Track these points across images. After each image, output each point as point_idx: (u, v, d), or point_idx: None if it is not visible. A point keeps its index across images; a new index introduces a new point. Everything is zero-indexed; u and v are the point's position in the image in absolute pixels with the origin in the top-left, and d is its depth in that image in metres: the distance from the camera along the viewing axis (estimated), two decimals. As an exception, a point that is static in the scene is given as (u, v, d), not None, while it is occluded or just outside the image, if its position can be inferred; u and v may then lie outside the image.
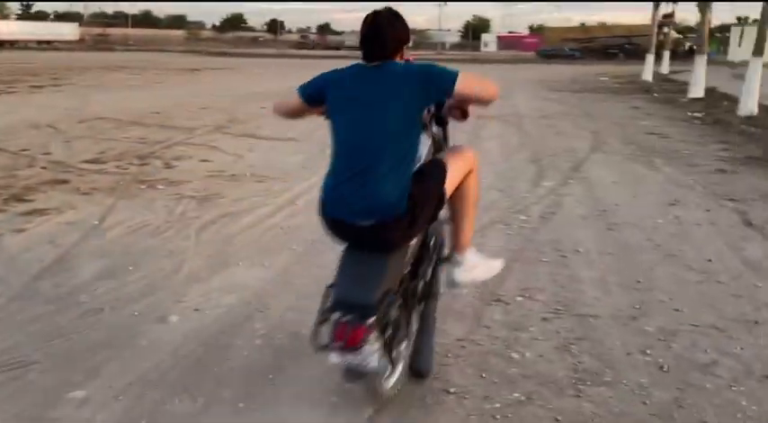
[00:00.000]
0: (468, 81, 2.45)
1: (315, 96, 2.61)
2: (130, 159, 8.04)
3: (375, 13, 2.52)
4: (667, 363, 3.10)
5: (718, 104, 15.75)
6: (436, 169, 2.57)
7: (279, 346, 3.26)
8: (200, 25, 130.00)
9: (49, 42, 70.72)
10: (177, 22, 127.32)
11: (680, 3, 33.80)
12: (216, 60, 46.58)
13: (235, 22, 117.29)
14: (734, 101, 15.42)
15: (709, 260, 4.60)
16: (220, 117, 12.42)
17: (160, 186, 6.65)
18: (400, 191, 2.37)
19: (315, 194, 6.38)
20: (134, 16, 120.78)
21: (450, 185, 2.58)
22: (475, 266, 2.87)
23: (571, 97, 18.89)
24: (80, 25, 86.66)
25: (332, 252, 2.92)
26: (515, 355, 3.16)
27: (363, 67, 2.52)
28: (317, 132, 8.73)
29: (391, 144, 2.39)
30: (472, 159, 2.73)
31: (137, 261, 4.41)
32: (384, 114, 2.39)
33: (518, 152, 9.13)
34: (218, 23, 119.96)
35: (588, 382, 2.92)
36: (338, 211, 2.46)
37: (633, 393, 2.84)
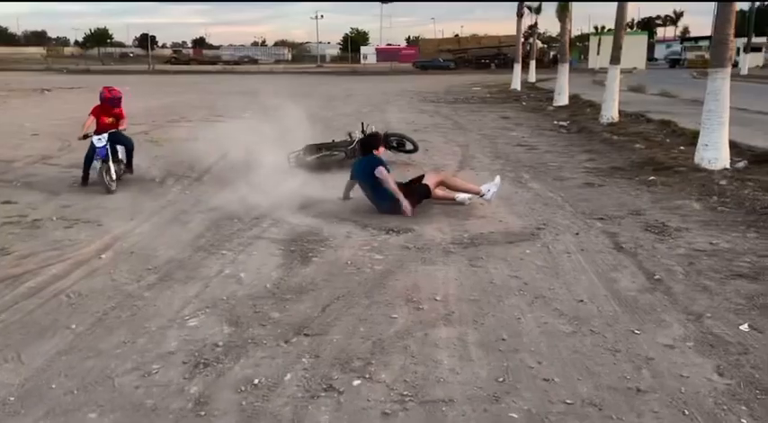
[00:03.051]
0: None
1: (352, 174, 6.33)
2: None
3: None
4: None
5: (582, 112, 16.06)
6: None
7: None
8: (63, 42, 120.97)
9: None
10: (37, 38, 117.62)
11: (542, 13, 35.16)
12: (75, 79, 42.93)
13: (100, 38, 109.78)
14: (596, 107, 15.77)
15: (581, 300, 4.00)
16: (49, 145, 10.79)
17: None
18: None
19: (132, 241, 5.38)
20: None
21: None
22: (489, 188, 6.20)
23: (444, 108, 18.70)
24: None
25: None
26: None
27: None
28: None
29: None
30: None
31: None
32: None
33: (382, 173, 8.39)
34: (80, 40, 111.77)
35: None
36: None
37: None
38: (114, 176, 7.34)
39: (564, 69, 18.57)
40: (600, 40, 52.05)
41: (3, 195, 7.06)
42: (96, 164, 7.34)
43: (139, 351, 3.30)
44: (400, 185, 6.21)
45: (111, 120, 7.70)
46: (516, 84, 27.58)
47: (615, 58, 13.54)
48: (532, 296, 4.08)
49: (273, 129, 13.87)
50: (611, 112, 13.29)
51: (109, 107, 7.69)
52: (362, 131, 9.25)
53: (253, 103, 20.98)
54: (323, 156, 8.53)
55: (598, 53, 49.96)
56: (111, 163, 7.34)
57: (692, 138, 9.94)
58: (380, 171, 6.08)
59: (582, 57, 61.51)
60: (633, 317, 3.75)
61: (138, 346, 3.36)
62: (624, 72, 14.00)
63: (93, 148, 7.41)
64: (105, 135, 7.45)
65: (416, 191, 6.19)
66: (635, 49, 42.08)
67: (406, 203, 5.96)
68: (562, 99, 18.27)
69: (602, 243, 5.21)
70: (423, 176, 6.36)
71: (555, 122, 14.23)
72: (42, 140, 11.57)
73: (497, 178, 6.57)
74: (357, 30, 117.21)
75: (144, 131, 13.20)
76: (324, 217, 6.07)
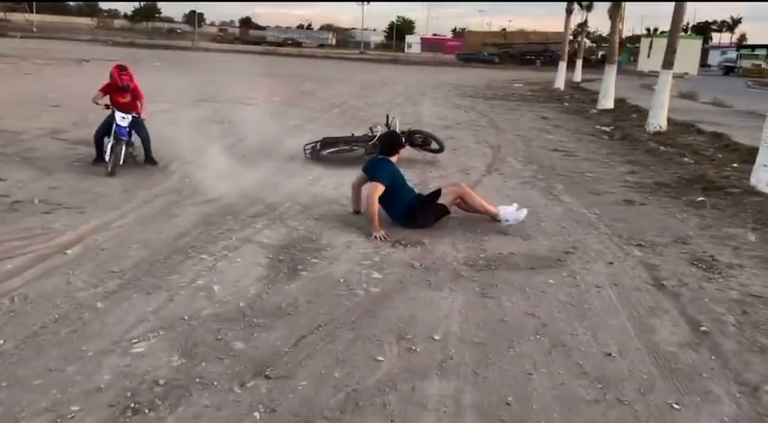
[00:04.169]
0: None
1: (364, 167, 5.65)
2: None
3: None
4: None
5: (627, 117, 15.09)
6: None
7: None
8: (113, 14, 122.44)
9: (-68, 25, 64.27)
10: (89, 9, 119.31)
11: (593, 11, 33.83)
12: (118, 51, 43.18)
13: (149, 12, 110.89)
14: (643, 113, 14.78)
15: (609, 354, 3.30)
16: (65, 118, 10.41)
17: None
18: None
19: (108, 235, 4.81)
20: (41, 2, 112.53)
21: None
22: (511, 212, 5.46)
23: (481, 104, 17.88)
24: (-22, 9, 79.61)
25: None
26: None
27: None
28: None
29: None
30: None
31: None
32: None
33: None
34: (129, 13, 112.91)
35: None
36: None
37: None
38: (122, 161, 6.84)
39: (611, 70, 17.52)
40: (651, 41, 50.08)
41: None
42: (108, 141, 6.83)
43: (63, 384, 2.74)
44: (416, 200, 5.50)
45: (127, 98, 7.17)
46: (560, 83, 26.50)
47: (668, 63, 12.55)
48: (550, 343, 3.39)
49: (298, 115, 13.36)
50: (658, 120, 12.34)
51: (123, 93, 7.13)
52: (387, 125, 8.61)
53: (285, 86, 20.58)
54: (340, 150, 7.90)
55: (648, 56, 48.09)
56: (124, 145, 6.86)
57: (747, 154, 9.03)
58: (369, 186, 5.34)
59: (631, 58, 59.33)
60: (672, 383, 3.04)
61: (64, 377, 2.80)
62: (675, 77, 12.98)
63: (108, 123, 6.91)
64: (130, 116, 6.97)
65: (432, 210, 5.44)
66: (688, 54, 40.19)
67: (377, 233, 5.02)
68: (607, 102, 17.26)
69: (639, 277, 4.47)
70: (440, 192, 5.53)
71: (597, 127, 13.33)
72: (60, 113, 11.22)
73: (523, 212, 5.56)
74: (403, 18, 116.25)
75: (165, 110, 12.75)
76: (327, 220, 5.46)
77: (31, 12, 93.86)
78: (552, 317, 3.72)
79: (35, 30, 73.37)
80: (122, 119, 6.93)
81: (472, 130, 11.98)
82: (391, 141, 5.80)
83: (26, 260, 4.15)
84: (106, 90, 7.14)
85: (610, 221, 5.91)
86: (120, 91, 7.10)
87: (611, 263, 4.74)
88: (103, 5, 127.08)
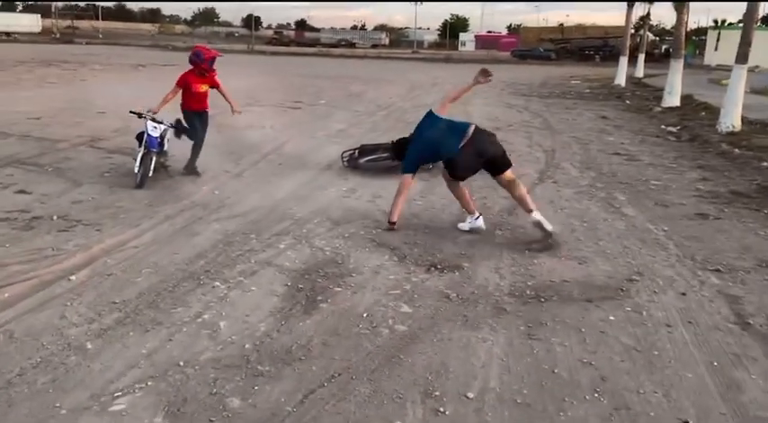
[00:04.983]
0: None
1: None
2: None
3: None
4: None
5: (695, 116, 13.98)
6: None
7: None
8: (175, 20, 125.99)
9: (8, 34, 67.39)
10: (152, 15, 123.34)
11: (656, 3, 32.19)
12: (176, 55, 44.12)
13: (207, 17, 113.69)
14: (713, 111, 13.68)
15: (686, 422, 2.67)
16: (108, 125, 10.29)
17: None
18: None
19: (121, 257, 4.40)
20: (107, 9, 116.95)
21: None
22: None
23: (535, 103, 17.05)
24: (49, 17, 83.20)
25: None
26: None
27: None
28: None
29: None
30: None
31: None
32: None
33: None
34: (188, 18, 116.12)
35: None
36: None
37: None
38: (152, 172, 6.54)
39: (677, 65, 16.32)
40: (719, 34, 47.49)
41: (23, 183, 6.47)
42: (139, 150, 6.54)
43: (22, 453, 2.34)
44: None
45: (204, 88, 6.85)
46: (621, 79, 25.19)
47: (742, 56, 11.48)
48: (611, 404, 2.78)
49: (343, 119, 12.93)
50: (731, 119, 11.29)
51: (204, 69, 6.75)
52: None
53: (333, 88, 20.27)
54: (378, 158, 7.40)
55: (716, 49, 45.70)
56: (155, 156, 6.57)
57: (837, 158, 8.03)
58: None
59: (697, 52, 56.47)
60: (770, 469, 2.39)
61: (25, 443, 2.40)
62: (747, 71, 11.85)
63: (142, 132, 6.64)
64: (162, 126, 6.69)
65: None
66: (761, 47, 37.91)
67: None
68: (673, 99, 16.10)
69: (718, 313, 3.78)
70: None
71: (662, 127, 12.35)
72: (104, 119, 11.14)
73: (480, 221, 5.29)
74: (457, 16, 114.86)
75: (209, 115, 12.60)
76: (357, 239, 4.96)
77: (98, 19, 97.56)
78: (613, 367, 3.10)
79: (101, 36, 76.19)
80: (154, 128, 6.64)
81: (524, 132, 11.27)
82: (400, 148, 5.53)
83: (26, 288, 3.82)
84: (184, 80, 6.75)
85: (680, 240, 5.18)
86: (202, 75, 6.76)
87: (683, 293, 4.06)
88: (165, 9, 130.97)
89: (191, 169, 7.02)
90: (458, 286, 4.07)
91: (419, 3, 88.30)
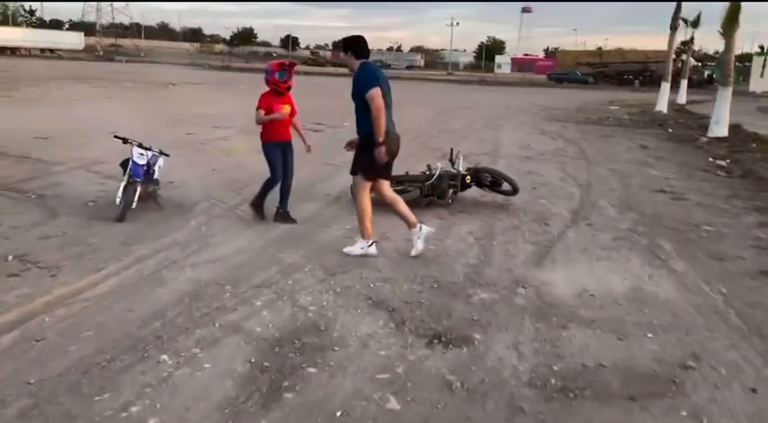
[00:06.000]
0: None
1: None
2: None
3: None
4: None
5: (746, 147, 12.90)
6: None
7: None
8: (215, 39, 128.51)
9: (52, 51, 69.23)
10: (193, 34, 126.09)
11: (699, 28, 30.98)
12: (209, 74, 44.43)
13: (246, 37, 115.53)
14: (766, 143, 12.60)
15: None
16: (115, 147, 9.71)
17: None
18: None
19: (63, 314, 3.50)
20: (150, 28, 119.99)
21: None
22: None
23: (571, 130, 16.10)
24: (93, 35, 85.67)
25: None
26: None
27: None
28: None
29: None
30: None
31: None
32: None
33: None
34: (227, 38, 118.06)
35: None
36: None
37: None
38: (135, 203, 5.89)
39: (725, 94, 15.17)
40: (765, 60, 45.75)
41: (-2, 212, 5.88)
42: (121, 181, 5.93)
43: None
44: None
45: (286, 109, 5.90)
46: (662, 105, 24.05)
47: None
48: None
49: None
50: (789, 153, 10.23)
51: (281, 87, 5.84)
52: (450, 160, 7.32)
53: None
54: (396, 191, 6.60)
55: (762, 75, 44.06)
56: (140, 186, 5.94)
57: None
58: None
59: (740, 78, 54.57)
60: None
61: None
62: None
63: (128, 159, 6.05)
64: (150, 153, 6.11)
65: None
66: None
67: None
68: (720, 129, 14.97)
69: (806, 424, 2.87)
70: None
71: (710, 160, 11.31)
72: (112, 141, 10.63)
73: (425, 229, 5.18)
74: (494, 38, 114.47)
75: (224, 137, 12.06)
76: (350, 296, 4.17)
77: (140, 37, 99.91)
78: None
79: (143, 54, 77.85)
80: (140, 155, 6.05)
81: (558, 163, 10.37)
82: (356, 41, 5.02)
83: (-68, 356, 3.13)
84: (265, 102, 5.85)
85: (742, 307, 4.26)
86: (278, 95, 5.88)
87: (753, 390, 3.15)
88: (206, 29, 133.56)
89: (284, 217, 6.06)
90: (464, 370, 3.23)
91: (455, 24, 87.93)
